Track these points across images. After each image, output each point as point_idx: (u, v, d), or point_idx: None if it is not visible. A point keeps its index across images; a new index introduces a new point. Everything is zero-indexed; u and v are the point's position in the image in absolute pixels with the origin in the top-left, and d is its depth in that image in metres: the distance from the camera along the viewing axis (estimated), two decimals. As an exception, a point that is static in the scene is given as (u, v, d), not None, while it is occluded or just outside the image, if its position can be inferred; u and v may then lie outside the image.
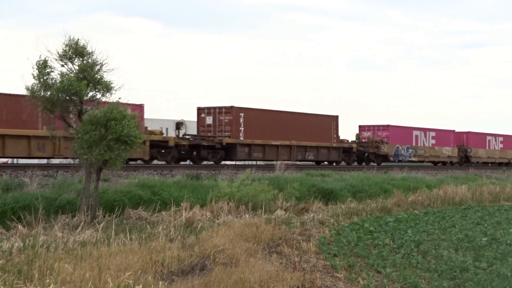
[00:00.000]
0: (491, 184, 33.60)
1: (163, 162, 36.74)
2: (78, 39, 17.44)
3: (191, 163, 39.22)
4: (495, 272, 12.12)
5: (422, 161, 57.02)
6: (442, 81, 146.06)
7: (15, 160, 39.32)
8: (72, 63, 17.56)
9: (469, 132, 61.83)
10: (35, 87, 17.15)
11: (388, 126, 53.36)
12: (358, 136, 52.30)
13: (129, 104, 34.27)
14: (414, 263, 13.22)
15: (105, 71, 17.66)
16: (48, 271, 10.17)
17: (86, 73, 17.35)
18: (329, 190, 25.58)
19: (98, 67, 17.56)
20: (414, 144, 55.28)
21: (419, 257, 13.74)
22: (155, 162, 37.78)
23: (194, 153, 38.85)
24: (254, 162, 45.59)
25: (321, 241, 15.62)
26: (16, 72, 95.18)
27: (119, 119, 16.75)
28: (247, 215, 19.40)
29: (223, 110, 40.69)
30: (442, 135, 58.38)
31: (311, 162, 47.37)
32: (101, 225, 15.83)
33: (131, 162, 34.48)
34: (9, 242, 13.22)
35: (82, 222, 16.22)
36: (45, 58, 17.13)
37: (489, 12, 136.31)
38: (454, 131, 60.31)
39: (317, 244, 15.18)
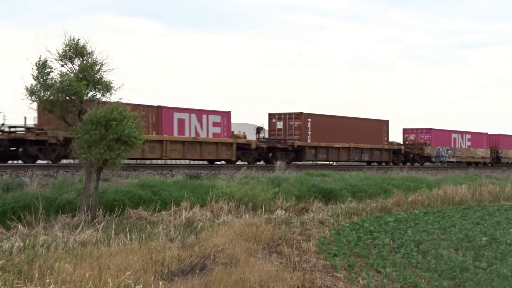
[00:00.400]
0: (490, 184, 33.59)
1: (245, 163, 39.62)
2: (78, 39, 17.46)
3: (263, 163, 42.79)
4: (495, 272, 12.11)
5: (460, 162, 60.32)
6: (442, 81, 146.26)
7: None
8: (72, 63, 17.57)
9: (499, 134, 65.94)
10: (35, 88, 17.15)
11: (430, 129, 57.71)
12: (405, 138, 56.34)
13: (218, 112, 39.05)
14: (414, 263, 13.22)
15: (105, 71, 17.70)
16: (48, 271, 10.18)
17: (86, 73, 17.35)
18: (329, 190, 25.59)
19: (98, 67, 17.57)
20: (452, 146, 59.16)
21: (419, 257, 13.74)
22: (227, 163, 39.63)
23: (270, 154, 42.96)
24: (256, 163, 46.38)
25: (321, 241, 15.62)
26: (16, 72, 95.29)
27: (119, 119, 16.75)
28: (247, 215, 19.40)
29: (293, 115, 45.04)
30: (477, 138, 62.56)
31: (310, 162, 47.91)
32: (101, 225, 15.83)
33: (216, 163, 38.45)
34: (9, 242, 13.22)
35: (82, 222, 16.22)
36: (44, 59, 17.14)
37: (489, 12, 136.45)
38: (487, 133, 64.37)
39: (317, 244, 15.18)
